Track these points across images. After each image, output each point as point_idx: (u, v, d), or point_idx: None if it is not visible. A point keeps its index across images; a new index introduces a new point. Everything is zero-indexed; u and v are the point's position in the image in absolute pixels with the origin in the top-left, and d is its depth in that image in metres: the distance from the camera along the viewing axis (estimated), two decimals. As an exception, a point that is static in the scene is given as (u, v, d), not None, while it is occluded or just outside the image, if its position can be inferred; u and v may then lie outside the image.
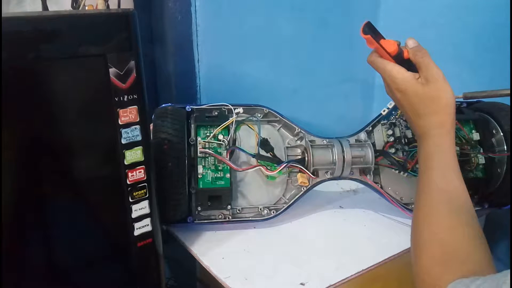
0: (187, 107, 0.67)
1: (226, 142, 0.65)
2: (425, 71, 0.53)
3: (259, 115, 0.70)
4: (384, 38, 0.55)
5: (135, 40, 0.45)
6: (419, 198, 0.52)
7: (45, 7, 0.71)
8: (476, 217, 0.49)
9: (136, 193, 0.48)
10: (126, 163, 0.47)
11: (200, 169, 0.64)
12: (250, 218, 0.67)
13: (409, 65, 0.55)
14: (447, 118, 0.52)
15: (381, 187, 0.71)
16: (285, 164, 0.66)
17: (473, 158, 0.69)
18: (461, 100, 0.58)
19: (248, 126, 0.69)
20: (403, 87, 0.54)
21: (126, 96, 0.45)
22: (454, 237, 0.47)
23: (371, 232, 0.68)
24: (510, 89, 0.54)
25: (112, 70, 0.44)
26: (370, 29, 0.54)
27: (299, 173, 0.69)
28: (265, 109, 0.70)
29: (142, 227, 0.50)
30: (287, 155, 0.70)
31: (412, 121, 0.56)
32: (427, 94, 0.52)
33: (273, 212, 0.68)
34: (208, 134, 0.66)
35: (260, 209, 0.68)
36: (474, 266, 0.45)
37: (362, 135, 0.72)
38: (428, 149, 0.53)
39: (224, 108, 0.68)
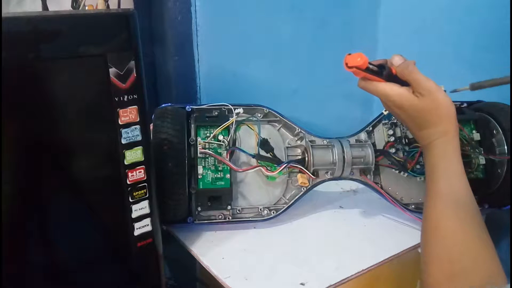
0: (187, 107, 0.67)
1: (226, 142, 0.65)
2: (416, 87, 0.52)
3: (259, 115, 0.70)
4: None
5: (135, 40, 0.45)
6: (426, 210, 0.52)
7: (45, 7, 0.71)
8: (483, 224, 0.50)
9: (136, 193, 0.48)
10: (126, 163, 0.47)
11: (200, 170, 0.64)
12: (250, 218, 0.67)
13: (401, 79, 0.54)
14: (449, 126, 0.52)
15: (381, 187, 0.71)
16: (285, 165, 0.66)
17: (473, 159, 0.69)
18: (466, 97, 0.56)
19: (248, 126, 0.68)
20: (400, 103, 0.53)
21: (126, 96, 0.45)
22: (460, 250, 0.47)
23: (371, 232, 0.68)
24: (510, 77, 0.52)
25: (112, 70, 0.44)
26: None
27: (299, 174, 0.69)
28: (265, 109, 0.70)
29: (142, 227, 0.50)
30: (287, 155, 0.70)
31: (414, 133, 0.56)
32: (424, 108, 0.52)
33: (273, 212, 0.68)
34: (208, 134, 0.66)
35: (260, 209, 0.68)
36: (481, 277, 0.45)
37: (363, 135, 0.72)
38: (433, 159, 0.53)
39: (224, 108, 0.68)
